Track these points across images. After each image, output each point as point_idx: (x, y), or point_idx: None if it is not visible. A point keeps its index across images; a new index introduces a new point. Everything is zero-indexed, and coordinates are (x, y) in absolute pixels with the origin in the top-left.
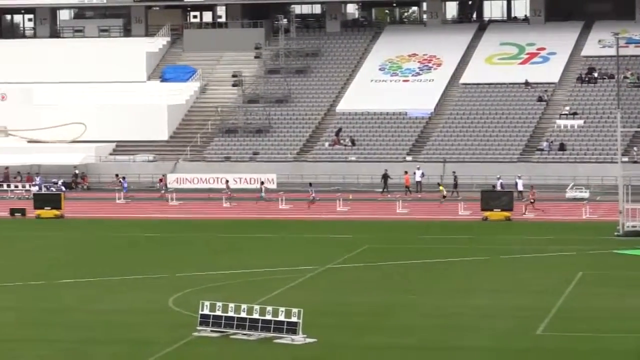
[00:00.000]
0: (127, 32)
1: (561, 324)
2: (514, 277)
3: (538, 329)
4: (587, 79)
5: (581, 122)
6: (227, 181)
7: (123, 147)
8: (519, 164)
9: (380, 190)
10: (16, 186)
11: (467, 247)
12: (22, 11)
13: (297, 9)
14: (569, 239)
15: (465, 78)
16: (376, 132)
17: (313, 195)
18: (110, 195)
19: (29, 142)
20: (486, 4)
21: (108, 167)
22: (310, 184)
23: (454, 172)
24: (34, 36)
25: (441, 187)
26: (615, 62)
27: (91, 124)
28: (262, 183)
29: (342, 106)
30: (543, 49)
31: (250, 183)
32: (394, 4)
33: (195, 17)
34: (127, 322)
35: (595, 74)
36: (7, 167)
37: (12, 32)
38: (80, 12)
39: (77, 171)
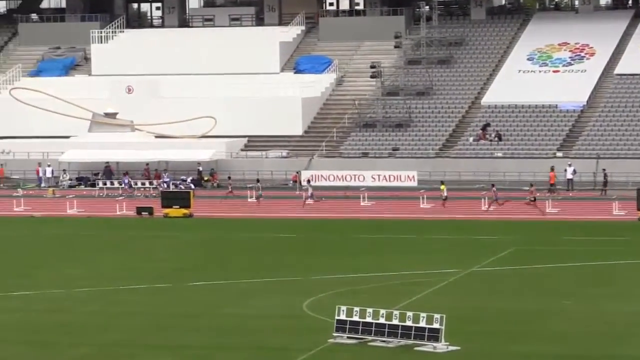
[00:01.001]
0: (259, 21)
1: None
2: None
3: None
4: None
5: None
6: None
7: (255, 143)
8: None
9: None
10: (143, 184)
11: (622, 250)
12: None
13: None
14: None
15: (621, 68)
16: (524, 126)
17: (311, 192)
18: (242, 193)
19: (156, 137)
20: None
21: (239, 163)
22: (309, 181)
23: (604, 170)
24: (162, 25)
25: (442, 187)
26: None
27: (221, 118)
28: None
29: (488, 99)
30: None
31: (390, 181)
32: None
33: (331, 4)
34: (259, 328)
35: None
36: (107, 164)
37: (139, 21)
38: (210, 1)
39: (200, 168)
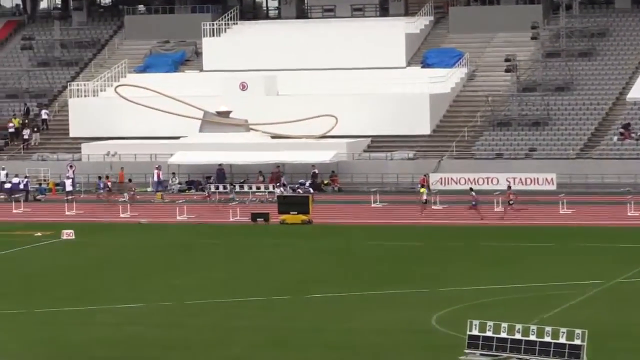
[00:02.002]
0: (383, 12)
1: None
2: None
3: None
4: None
5: None
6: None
7: (379, 143)
8: None
9: None
10: (258, 188)
11: None
12: None
13: None
14: None
15: None
16: None
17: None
18: (364, 198)
19: (272, 137)
20: None
21: (362, 165)
22: (471, 189)
23: None
24: (279, 17)
25: (422, 190)
26: None
27: (343, 116)
28: (471, 189)
29: (633, 94)
30: None
31: (526, 184)
32: None
33: None
34: (384, 343)
35: None
36: (220, 166)
37: (254, 12)
38: None
39: (316, 170)
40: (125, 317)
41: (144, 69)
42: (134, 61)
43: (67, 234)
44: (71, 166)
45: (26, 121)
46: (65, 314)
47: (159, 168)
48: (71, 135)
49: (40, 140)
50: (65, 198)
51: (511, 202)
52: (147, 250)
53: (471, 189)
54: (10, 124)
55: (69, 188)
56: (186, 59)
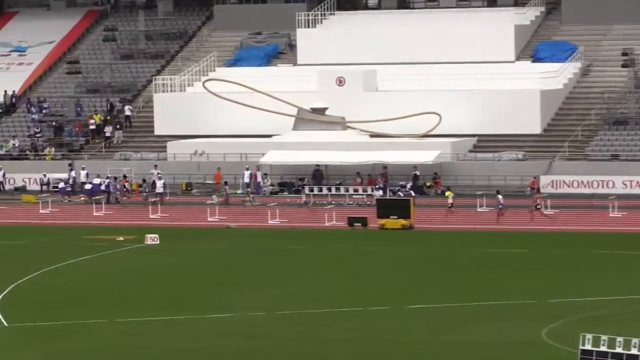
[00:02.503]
0: (491, 2)
1: None
2: None
3: None
4: None
5: None
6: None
7: (486, 143)
8: None
9: None
10: (355, 190)
11: None
12: None
13: None
14: None
15: None
16: None
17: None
18: (469, 201)
19: (371, 136)
20: None
21: (467, 167)
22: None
23: None
24: (379, 7)
25: (448, 193)
26: None
27: (446, 114)
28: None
29: None
30: None
31: None
32: None
33: None
34: (489, 358)
35: None
36: (318, 166)
37: (352, 2)
38: None
39: (417, 172)
40: (211, 327)
41: (234, 63)
42: (224, 54)
43: (152, 239)
44: (155, 166)
45: (108, 118)
46: (147, 324)
47: (258, 169)
48: (156, 132)
49: (123, 138)
50: (152, 200)
51: (538, 206)
52: (236, 257)
53: (498, 192)
54: (92, 121)
55: (159, 189)
56: (279, 51)
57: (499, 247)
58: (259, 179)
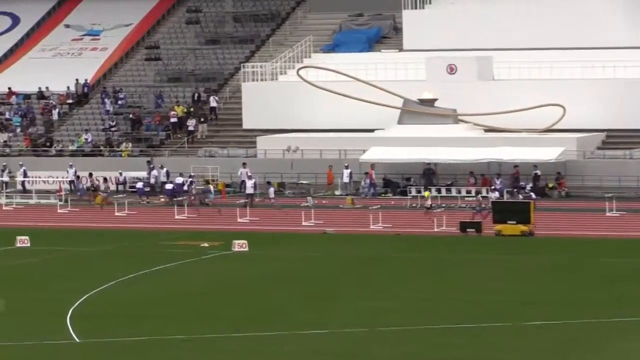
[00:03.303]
0: None
1: None
2: None
3: None
4: None
5: None
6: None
7: (616, 139)
8: None
9: None
10: (468, 192)
11: None
12: None
13: None
14: None
15: None
16: None
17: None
18: (597, 205)
19: (485, 131)
20: None
21: (595, 165)
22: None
23: None
24: None
25: (427, 193)
26: None
27: (571, 106)
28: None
29: None
30: None
31: None
32: None
33: None
34: None
35: None
36: (428, 165)
37: None
38: None
39: (538, 172)
40: (303, 345)
41: (332, 48)
42: (321, 38)
43: (240, 245)
44: (244, 164)
45: (191, 110)
46: (231, 340)
47: (373, 167)
48: (244, 126)
49: (207, 133)
50: (243, 202)
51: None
52: (333, 265)
53: (478, 193)
54: (173, 113)
55: (249, 190)
56: (383, 35)
57: (630, 256)
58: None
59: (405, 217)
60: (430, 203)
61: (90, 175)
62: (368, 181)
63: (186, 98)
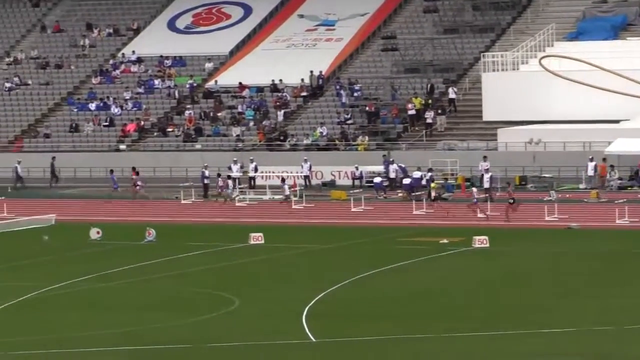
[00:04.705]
0: None
1: None
2: None
3: None
4: None
5: None
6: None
7: None
8: None
9: None
10: None
11: None
12: None
13: None
14: None
15: None
16: None
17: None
18: None
19: None
20: None
21: None
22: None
23: None
24: None
25: (433, 185)
26: None
27: None
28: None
29: None
30: None
31: None
32: None
33: None
34: None
35: None
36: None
37: None
38: None
39: None
40: (547, 345)
41: (575, 36)
42: (564, 26)
43: (480, 241)
44: (485, 157)
45: (429, 101)
46: (469, 340)
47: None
48: (484, 118)
49: (446, 125)
50: (482, 197)
51: (511, 201)
52: (576, 262)
53: (472, 184)
54: (410, 105)
55: (486, 184)
56: (628, 23)
57: None
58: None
59: None
60: (435, 194)
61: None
62: (615, 174)
63: (424, 89)
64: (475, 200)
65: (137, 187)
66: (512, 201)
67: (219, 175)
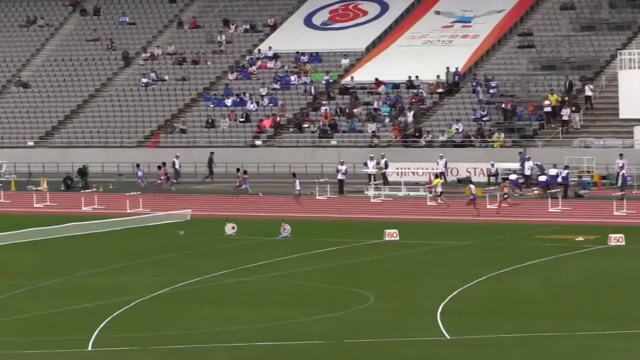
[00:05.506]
0: None
1: None
2: None
3: None
4: None
5: None
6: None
7: None
8: None
9: None
10: None
11: None
12: None
13: None
14: None
15: None
16: None
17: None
18: None
19: None
20: None
21: None
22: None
23: None
24: None
25: (437, 181)
26: None
27: None
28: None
29: None
30: None
31: None
32: None
33: None
34: None
35: None
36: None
37: None
38: None
39: None
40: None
41: None
42: None
43: (616, 239)
44: (621, 155)
45: (566, 98)
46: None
47: None
48: (621, 116)
49: (583, 123)
50: (620, 194)
51: (505, 196)
52: None
53: (470, 182)
54: (546, 102)
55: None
56: None
57: None
58: None
59: None
60: (440, 190)
61: None
62: None
63: (560, 86)
64: (472, 197)
65: (159, 182)
66: (505, 196)
67: (238, 170)
